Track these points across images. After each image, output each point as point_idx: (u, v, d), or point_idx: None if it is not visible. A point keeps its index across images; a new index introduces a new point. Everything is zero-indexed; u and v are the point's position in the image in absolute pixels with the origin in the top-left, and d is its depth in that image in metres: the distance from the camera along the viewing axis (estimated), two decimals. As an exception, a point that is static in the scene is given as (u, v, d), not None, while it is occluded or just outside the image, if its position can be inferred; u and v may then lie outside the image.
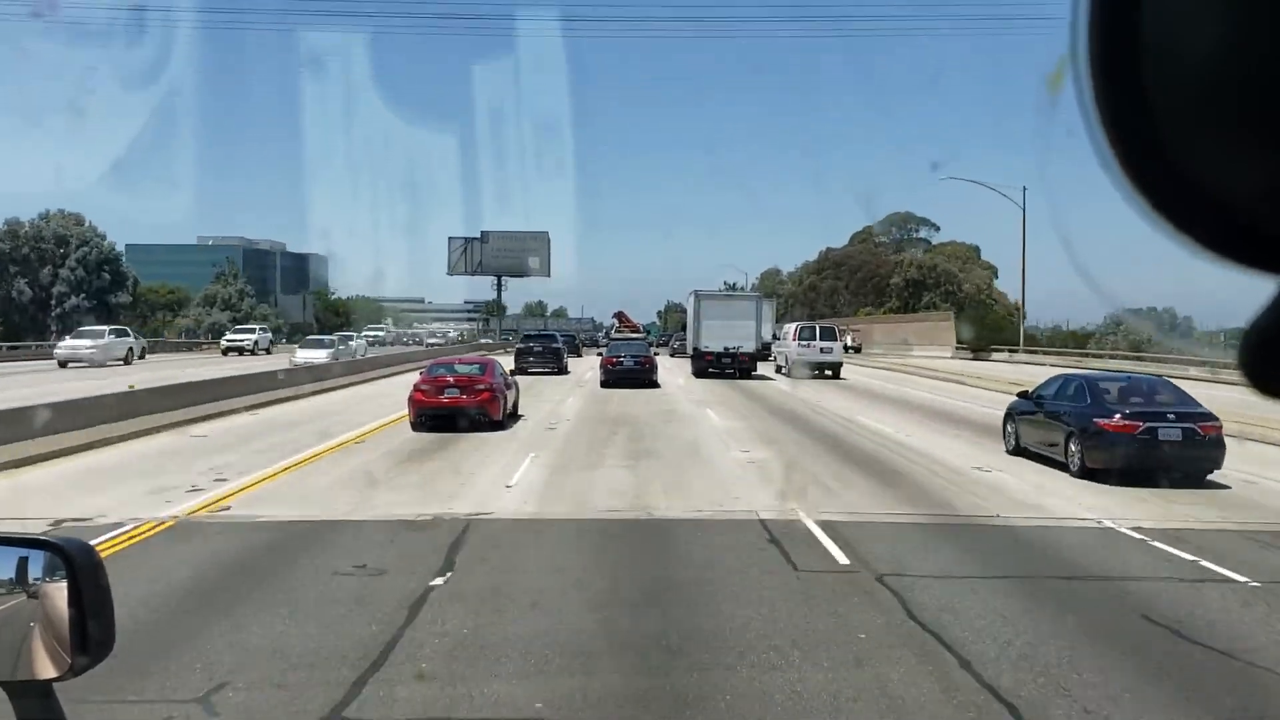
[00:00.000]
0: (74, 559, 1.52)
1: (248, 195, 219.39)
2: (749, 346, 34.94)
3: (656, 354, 37.23)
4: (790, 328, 39.31)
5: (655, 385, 30.38)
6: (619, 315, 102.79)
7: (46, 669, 1.49)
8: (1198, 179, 0.56)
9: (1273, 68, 0.51)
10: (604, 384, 30.02)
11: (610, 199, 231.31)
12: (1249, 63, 0.52)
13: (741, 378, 34.06)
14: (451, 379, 18.74)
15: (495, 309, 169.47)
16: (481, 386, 18.54)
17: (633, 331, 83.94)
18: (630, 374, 30.20)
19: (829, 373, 35.82)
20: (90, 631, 1.49)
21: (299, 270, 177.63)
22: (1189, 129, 0.55)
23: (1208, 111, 0.54)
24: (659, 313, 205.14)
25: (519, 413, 20.89)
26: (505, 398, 19.37)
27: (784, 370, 37.47)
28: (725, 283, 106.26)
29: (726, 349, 34.43)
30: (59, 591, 1.51)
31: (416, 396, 18.42)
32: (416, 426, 18.16)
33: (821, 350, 36.10)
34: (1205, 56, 0.53)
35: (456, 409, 18.07)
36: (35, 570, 1.54)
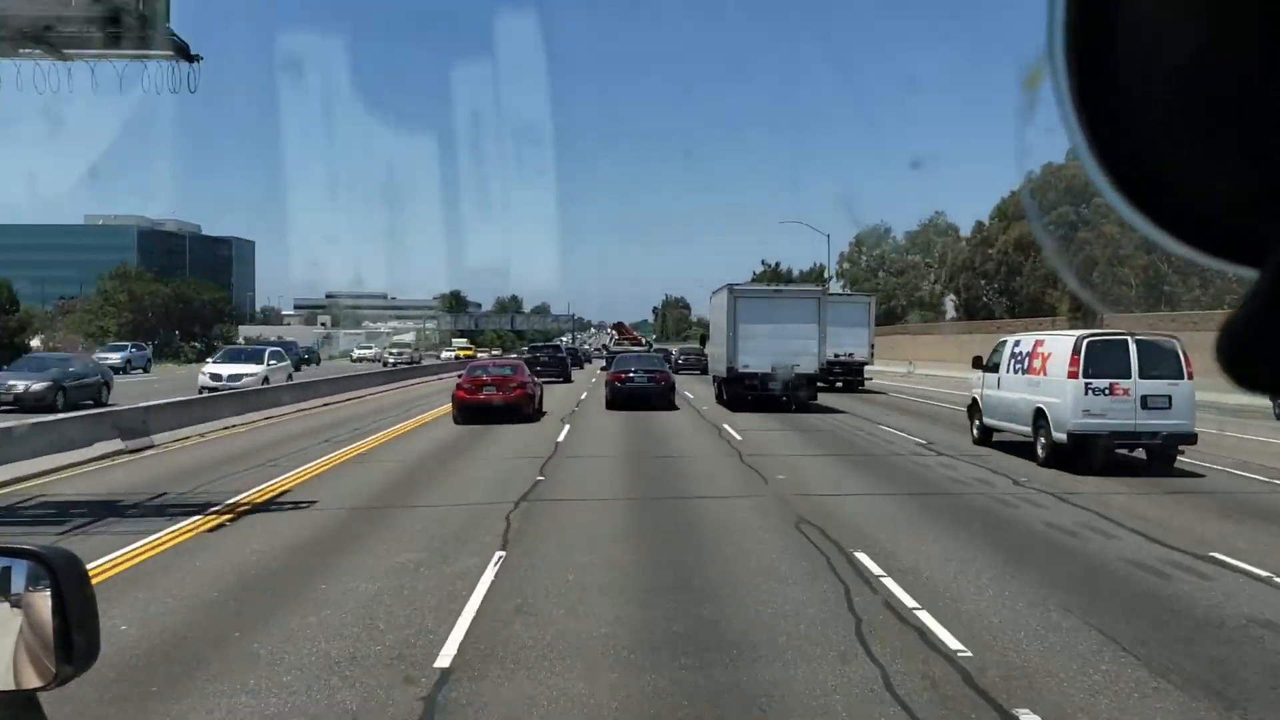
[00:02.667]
0: (58, 568, 1.51)
1: (218, 192, 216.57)
2: (809, 364, 25.12)
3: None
4: (1057, 344, 15.18)
5: (673, 407, 24.96)
6: (617, 326, 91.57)
7: (31, 679, 1.49)
8: (1175, 176, 0.57)
9: (1249, 68, 0.51)
10: (610, 404, 24.92)
11: (592, 193, 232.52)
12: (1226, 63, 0.52)
13: (799, 409, 24.48)
14: (488, 378, 21.73)
15: (453, 304, 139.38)
16: (514, 385, 21.48)
17: (633, 343, 71.97)
18: (642, 393, 24.93)
19: (1133, 453, 15.03)
20: (75, 641, 1.48)
21: (215, 257, 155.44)
22: (1166, 127, 0.56)
23: (1185, 110, 0.55)
24: (655, 309, 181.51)
25: (543, 409, 23.56)
26: (534, 395, 22.49)
27: (1038, 442, 15.19)
28: (764, 262, 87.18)
29: (776, 368, 24.80)
30: (43, 601, 1.50)
31: (458, 394, 21.42)
32: (459, 420, 20.88)
33: (1148, 403, 14.24)
34: (1183, 56, 0.54)
35: (492, 404, 20.95)
36: (18, 579, 1.53)
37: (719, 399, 27.04)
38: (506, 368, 23.58)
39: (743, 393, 25.15)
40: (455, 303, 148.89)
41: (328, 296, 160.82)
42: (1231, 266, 0.58)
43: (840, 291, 32.63)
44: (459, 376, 23.40)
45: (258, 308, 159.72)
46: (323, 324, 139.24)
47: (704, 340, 39.93)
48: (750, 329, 25.32)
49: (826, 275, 69.57)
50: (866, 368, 35.27)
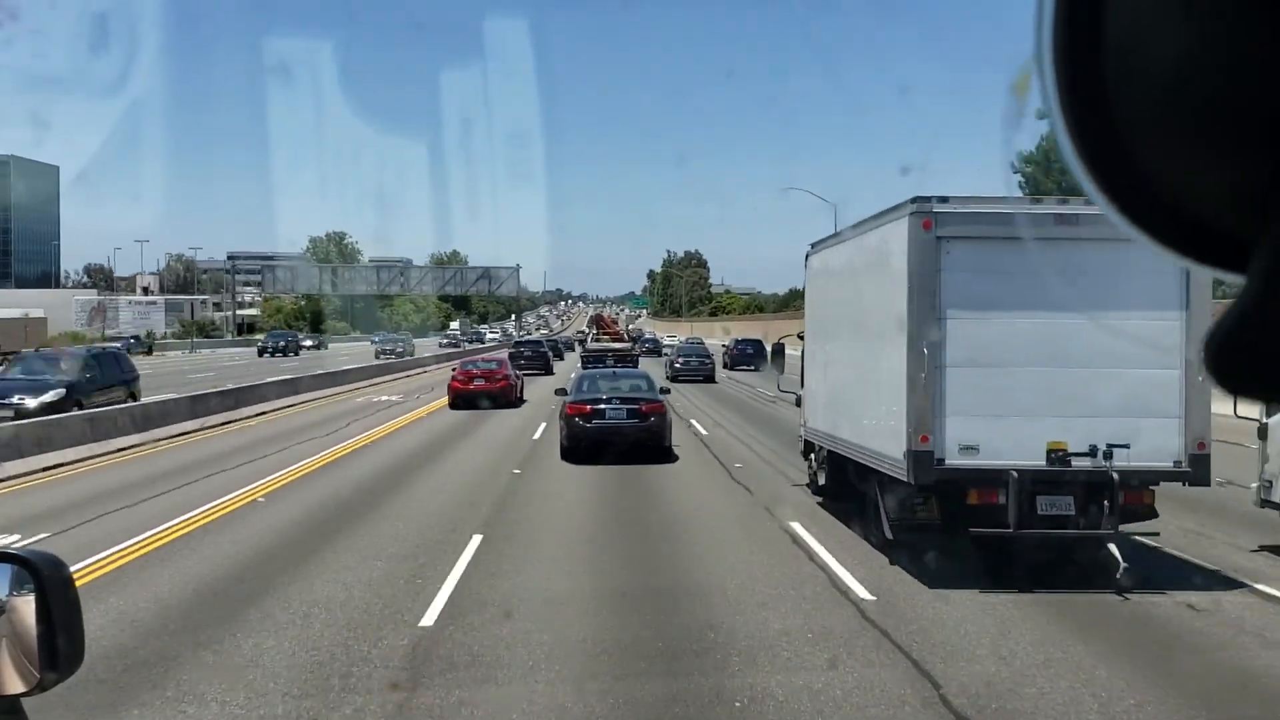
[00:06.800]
0: (42, 573, 1.50)
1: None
2: (1162, 442, 7.55)
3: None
4: None
5: (670, 458, 16.02)
6: (597, 320, 63.76)
7: (14, 684, 1.48)
8: (1162, 181, 0.57)
9: (1233, 74, 0.52)
10: (568, 454, 16.00)
11: (577, 152, 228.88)
12: (1211, 68, 0.52)
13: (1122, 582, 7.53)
14: (478, 371, 26.85)
15: (335, 252, 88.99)
16: (500, 376, 26.48)
17: (614, 340, 49.13)
18: (616, 436, 15.85)
19: None
20: (59, 647, 1.47)
21: (32, 193, 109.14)
22: (1152, 132, 0.56)
23: (1170, 115, 0.55)
24: (650, 273, 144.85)
25: (524, 397, 27.92)
26: (515, 385, 27.23)
27: None
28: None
29: (1063, 457, 7.53)
30: (27, 605, 1.49)
31: (454, 385, 26.18)
32: (454, 406, 25.33)
33: None
34: (1168, 61, 0.54)
35: (482, 393, 25.65)
36: (2, 584, 1.52)
37: (823, 494, 11.83)
38: (493, 363, 28.47)
39: (955, 521, 8.27)
40: (339, 253, 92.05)
41: (229, 258, 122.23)
42: (1218, 271, 0.58)
43: None
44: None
45: (66, 268, 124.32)
46: (144, 289, 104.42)
47: (779, 350, 15.28)
48: (978, 330, 8.15)
49: None
50: None
